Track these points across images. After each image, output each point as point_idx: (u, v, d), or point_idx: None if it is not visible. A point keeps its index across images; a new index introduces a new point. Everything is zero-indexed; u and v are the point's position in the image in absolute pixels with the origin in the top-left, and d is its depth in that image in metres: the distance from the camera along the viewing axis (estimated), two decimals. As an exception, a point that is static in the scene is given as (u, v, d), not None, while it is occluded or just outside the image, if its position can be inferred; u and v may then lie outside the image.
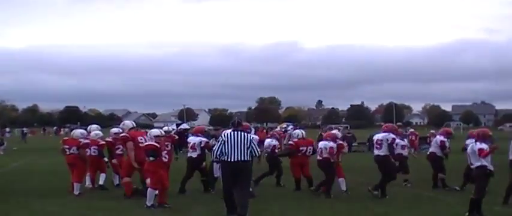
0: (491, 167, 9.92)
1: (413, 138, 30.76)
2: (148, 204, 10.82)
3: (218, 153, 10.14)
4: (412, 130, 34.44)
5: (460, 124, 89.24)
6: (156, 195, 10.98)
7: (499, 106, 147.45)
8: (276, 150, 15.24)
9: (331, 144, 13.00)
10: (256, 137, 14.05)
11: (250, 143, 10.14)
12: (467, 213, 9.78)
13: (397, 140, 13.70)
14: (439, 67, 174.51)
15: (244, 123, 12.17)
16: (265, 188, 13.93)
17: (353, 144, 33.77)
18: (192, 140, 13.51)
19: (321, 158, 13.00)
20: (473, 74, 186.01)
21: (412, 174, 15.07)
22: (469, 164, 10.39)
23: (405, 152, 15.13)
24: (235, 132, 10.19)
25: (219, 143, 10.24)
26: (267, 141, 15.47)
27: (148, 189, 10.98)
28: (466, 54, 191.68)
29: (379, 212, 10.49)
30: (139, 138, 12.45)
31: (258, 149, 10.61)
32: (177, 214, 10.32)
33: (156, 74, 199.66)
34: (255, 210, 10.52)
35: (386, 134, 12.70)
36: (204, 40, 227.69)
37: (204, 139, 13.50)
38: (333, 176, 12.88)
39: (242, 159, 10.02)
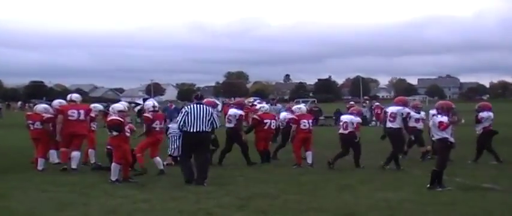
0: (452, 139, 10.05)
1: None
2: (113, 179, 10.76)
3: (181, 123, 10.78)
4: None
5: (426, 97, 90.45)
6: (120, 170, 10.93)
7: (463, 79, 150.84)
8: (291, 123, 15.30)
9: (358, 119, 13.25)
10: (241, 112, 14.07)
11: (210, 115, 10.96)
12: (428, 185, 9.94)
13: (412, 113, 13.87)
14: (405, 41, 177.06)
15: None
16: (231, 161, 13.91)
17: (320, 118, 34.09)
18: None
19: (345, 132, 13.05)
20: (438, 48, 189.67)
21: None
22: (431, 136, 10.55)
23: (420, 125, 14.86)
24: (198, 105, 10.90)
25: (183, 114, 10.86)
26: (283, 114, 16.07)
27: (113, 164, 10.92)
28: (432, 28, 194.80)
29: (343, 184, 10.59)
30: (70, 111, 12.74)
31: (218, 122, 11.37)
32: (142, 188, 10.24)
33: (123, 48, 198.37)
34: (221, 183, 10.60)
35: (401, 107, 12.75)
36: (171, 15, 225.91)
37: (240, 112, 13.93)
38: (359, 148, 13.11)
39: (203, 129, 10.79)
